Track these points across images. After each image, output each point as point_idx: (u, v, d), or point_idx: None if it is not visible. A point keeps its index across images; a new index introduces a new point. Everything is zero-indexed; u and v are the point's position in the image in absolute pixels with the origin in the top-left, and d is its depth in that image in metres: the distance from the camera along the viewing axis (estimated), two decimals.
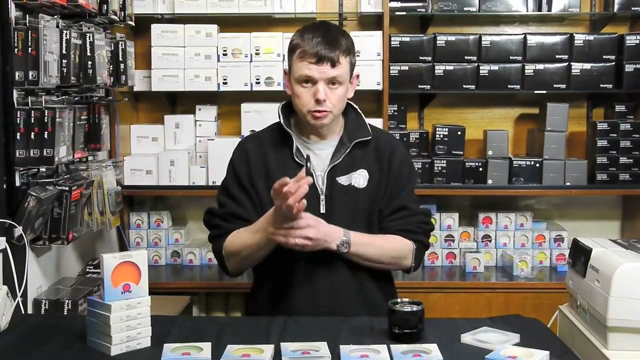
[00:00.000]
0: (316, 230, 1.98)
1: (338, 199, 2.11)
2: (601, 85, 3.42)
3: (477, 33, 3.48)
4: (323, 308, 2.08)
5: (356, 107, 2.23)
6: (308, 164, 2.00)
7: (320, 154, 2.15)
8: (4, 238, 2.26)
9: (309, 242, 1.97)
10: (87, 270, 3.05)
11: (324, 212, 2.09)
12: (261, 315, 2.12)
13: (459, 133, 3.46)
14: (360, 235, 2.08)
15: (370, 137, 2.17)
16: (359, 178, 2.14)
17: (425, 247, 2.23)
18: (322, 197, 2.11)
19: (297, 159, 2.11)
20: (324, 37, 2.05)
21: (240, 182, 2.15)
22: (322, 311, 2.06)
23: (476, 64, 3.41)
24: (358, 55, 3.24)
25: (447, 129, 3.46)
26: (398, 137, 3.28)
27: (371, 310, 2.07)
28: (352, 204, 2.12)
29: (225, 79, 3.40)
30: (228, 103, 3.58)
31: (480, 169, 3.44)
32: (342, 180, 2.12)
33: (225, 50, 3.40)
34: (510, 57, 3.41)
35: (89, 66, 2.64)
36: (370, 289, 2.16)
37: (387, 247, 2.12)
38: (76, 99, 2.74)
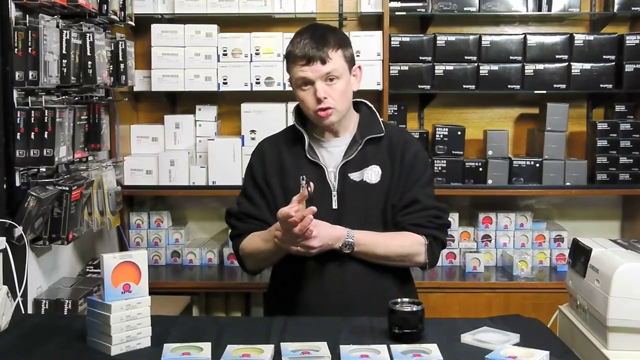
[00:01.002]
0: (319, 239, 1.99)
1: (350, 195, 2.13)
2: (601, 85, 3.42)
3: (477, 33, 3.48)
4: (332, 302, 2.09)
5: (370, 105, 2.25)
6: (303, 183, 2.01)
7: (333, 151, 2.17)
8: (4, 238, 2.26)
9: (313, 250, 2.00)
10: (87, 270, 3.05)
11: (335, 207, 2.11)
12: (273, 310, 2.17)
13: (459, 133, 3.46)
14: (366, 234, 2.09)
15: (383, 134, 2.18)
16: (371, 174, 2.15)
17: (442, 243, 2.20)
18: (334, 193, 2.12)
19: (309, 157, 2.14)
20: (311, 38, 2.08)
21: (255, 181, 2.20)
22: (332, 302, 2.08)
23: (476, 64, 3.41)
24: (358, 55, 3.28)
25: (447, 129, 3.46)
26: None
27: (383, 305, 2.03)
28: (364, 199, 2.13)
29: (225, 79, 3.40)
30: (228, 103, 3.58)
31: (480, 169, 3.44)
32: (354, 176, 2.14)
33: (225, 50, 3.40)
34: (510, 57, 3.41)
35: (89, 66, 2.64)
36: (384, 283, 2.15)
37: (394, 244, 2.12)
38: (76, 99, 2.74)
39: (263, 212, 2.17)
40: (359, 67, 2.20)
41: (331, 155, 2.17)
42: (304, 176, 2.05)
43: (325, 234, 2.01)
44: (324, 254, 2.08)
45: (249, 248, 2.17)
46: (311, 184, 2.01)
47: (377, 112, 2.24)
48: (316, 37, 2.08)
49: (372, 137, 2.17)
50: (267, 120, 3.32)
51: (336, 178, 2.13)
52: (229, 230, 2.28)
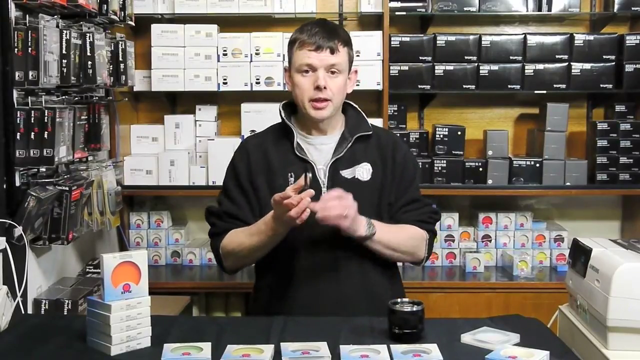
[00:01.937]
0: (350, 207, 1.97)
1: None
2: (601, 85, 3.42)
3: (477, 33, 3.48)
4: (326, 302, 2.08)
5: (356, 106, 2.27)
6: (308, 174, 1.99)
7: (321, 149, 2.17)
8: (4, 238, 2.26)
9: (344, 219, 1.95)
10: (87, 270, 3.05)
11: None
12: (264, 312, 2.14)
13: (459, 133, 3.46)
14: (380, 222, 2.09)
15: (371, 132, 2.20)
16: (363, 171, 2.15)
17: (435, 235, 2.27)
18: (324, 190, 2.11)
19: (298, 153, 2.13)
20: (322, 28, 2.11)
21: (238, 180, 2.18)
22: (325, 306, 2.07)
23: (476, 64, 3.41)
24: (358, 55, 3.28)
25: (447, 129, 3.46)
26: None
27: (376, 306, 2.04)
28: (356, 197, 2.12)
29: (225, 79, 3.40)
30: (228, 103, 3.58)
31: (480, 169, 3.44)
32: (346, 173, 2.14)
33: (225, 50, 3.40)
34: (510, 57, 3.41)
35: (89, 66, 2.64)
36: (375, 284, 2.15)
37: (406, 236, 2.14)
38: (76, 99, 2.74)
39: (245, 213, 2.16)
40: (355, 72, 2.21)
41: (320, 152, 2.16)
42: (307, 173, 2.03)
43: (353, 211, 1.98)
44: (316, 255, 2.09)
45: (231, 245, 2.14)
46: (309, 175, 1.99)
47: (363, 113, 2.25)
48: (327, 29, 2.11)
49: (361, 135, 2.18)
50: (267, 120, 3.25)
51: (326, 175, 2.13)
52: (209, 229, 2.26)
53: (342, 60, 2.11)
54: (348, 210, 1.96)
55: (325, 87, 2.08)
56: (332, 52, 2.08)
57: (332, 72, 2.09)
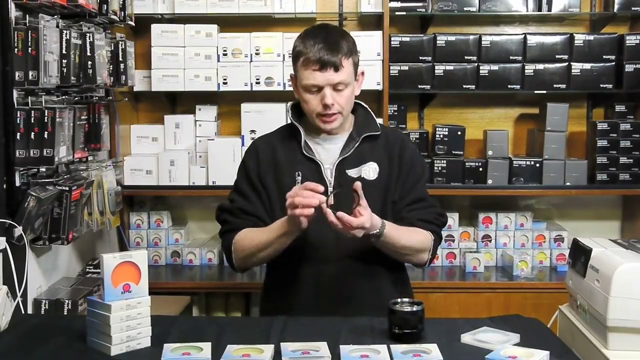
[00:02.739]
0: (371, 223, 1.96)
1: (347, 191, 2.11)
2: (601, 85, 3.42)
3: (477, 33, 3.48)
4: (331, 304, 2.08)
5: (366, 106, 2.27)
6: (331, 196, 1.99)
7: (329, 148, 2.17)
8: (4, 238, 2.26)
9: (361, 232, 1.95)
10: (87, 270, 3.05)
11: (332, 203, 2.09)
12: (269, 311, 2.15)
13: (459, 133, 3.46)
14: (390, 223, 2.08)
15: (379, 132, 2.20)
16: (369, 170, 2.15)
17: (441, 240, 2.25)
18: (330, 189, 2.12)
19: (305, 153, 2.14)
20: (325, 42, 2.08)
21: (249, 178, 2.19)
22: (330, 308, 2.06)
23: (476, 64, 3.41)
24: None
25: (447, 129, 3.46)
26: None
27: (383, 310, 1.95)
28: None
29: (225, 79, 3.40)
30: (228, 103, 3.58)
31: (480, 169, 3.44)
32: (352, 172, 2.14)
33: (225, 50, 3.40)
34: (510, 57, 3.41)
35: (89, 66, 2.64)
36: (382, 287, 2.15)
37: (412, 237, 2.12)
38: (76, 99, 2.74)
39: (257, 209, 2.17)
40: (362, 73, 2.21)
41: (327, 152, 2.17)
42: (333, 192, 2.04)
43: (374, 220, 1.98)
44: (323, 257, 2.09)
45: (243, 241, 2.14)
46: (332, 197, 1.98)
47: (372, 113, 2.25)
48: (330, 42, 2.08)
49: (369, 134, 2.18)
50: (267, 120, 3.31)
51: (332, 174, 2.13)
52: (220, 227, 2.25)
53: (347, 75, 2.09)
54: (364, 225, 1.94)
55: (333, 104, 2.08)
56: (336, 69, 2.06)
57: (338, 87, 2.08)
